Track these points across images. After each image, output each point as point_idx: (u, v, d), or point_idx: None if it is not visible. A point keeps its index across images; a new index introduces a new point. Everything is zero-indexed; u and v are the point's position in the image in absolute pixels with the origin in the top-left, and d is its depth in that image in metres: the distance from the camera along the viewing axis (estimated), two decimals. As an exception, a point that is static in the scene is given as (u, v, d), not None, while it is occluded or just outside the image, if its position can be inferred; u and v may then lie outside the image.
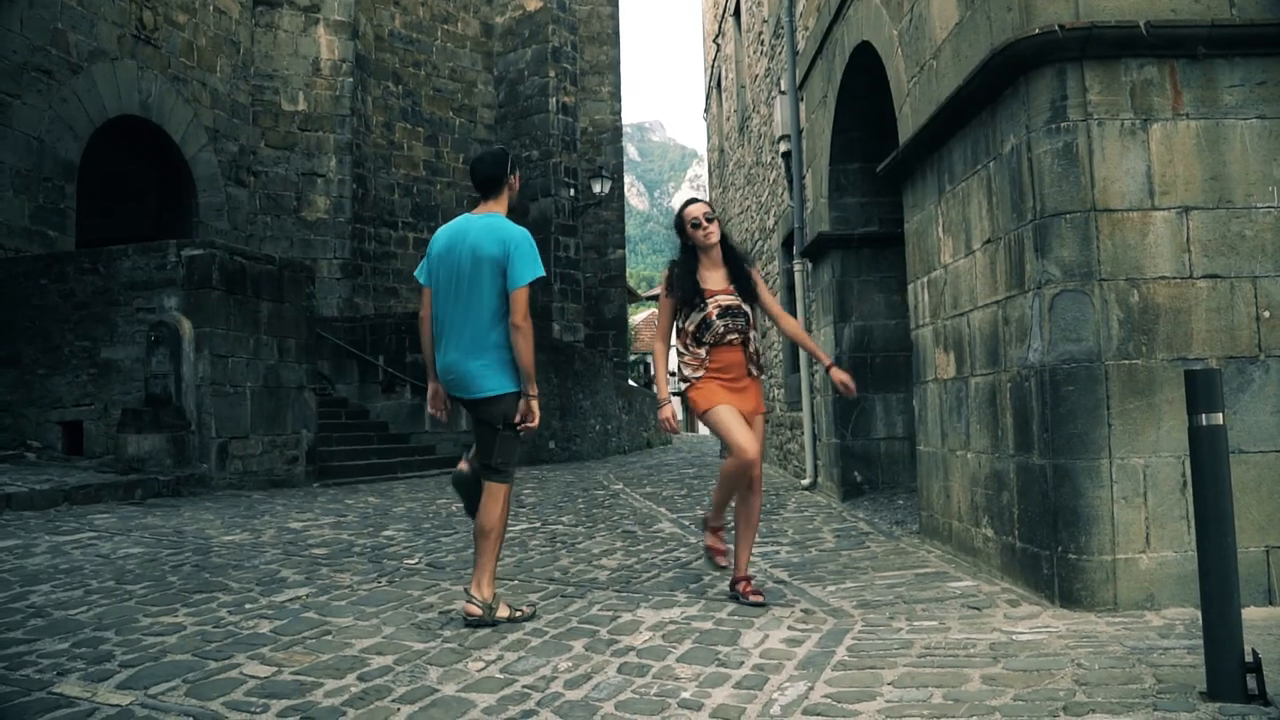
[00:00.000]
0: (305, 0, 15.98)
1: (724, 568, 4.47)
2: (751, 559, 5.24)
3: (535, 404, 3.81)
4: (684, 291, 4.30)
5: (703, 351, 4.26)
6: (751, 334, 4.30)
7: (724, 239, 4.41)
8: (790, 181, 9.54)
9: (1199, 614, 2.86)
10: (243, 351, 9.23)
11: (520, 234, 3.82)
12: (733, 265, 4.38)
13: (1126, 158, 3.95)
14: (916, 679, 3.01)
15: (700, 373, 4.25)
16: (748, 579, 4.28)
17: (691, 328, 4.28)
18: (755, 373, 4.32)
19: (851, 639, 3.53)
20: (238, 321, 9.20)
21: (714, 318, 4.24)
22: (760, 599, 4.16)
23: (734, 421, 4.14)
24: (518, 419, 3.80)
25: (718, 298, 4.28)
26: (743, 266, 4.40)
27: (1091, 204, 3.93)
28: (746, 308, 4.32)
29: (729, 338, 4.25)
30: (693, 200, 4.50)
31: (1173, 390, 3.80)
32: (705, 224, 4.32)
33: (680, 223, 4.40)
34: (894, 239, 6.99)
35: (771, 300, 4.50)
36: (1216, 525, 2.74)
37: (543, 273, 3.82)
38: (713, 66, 18.75)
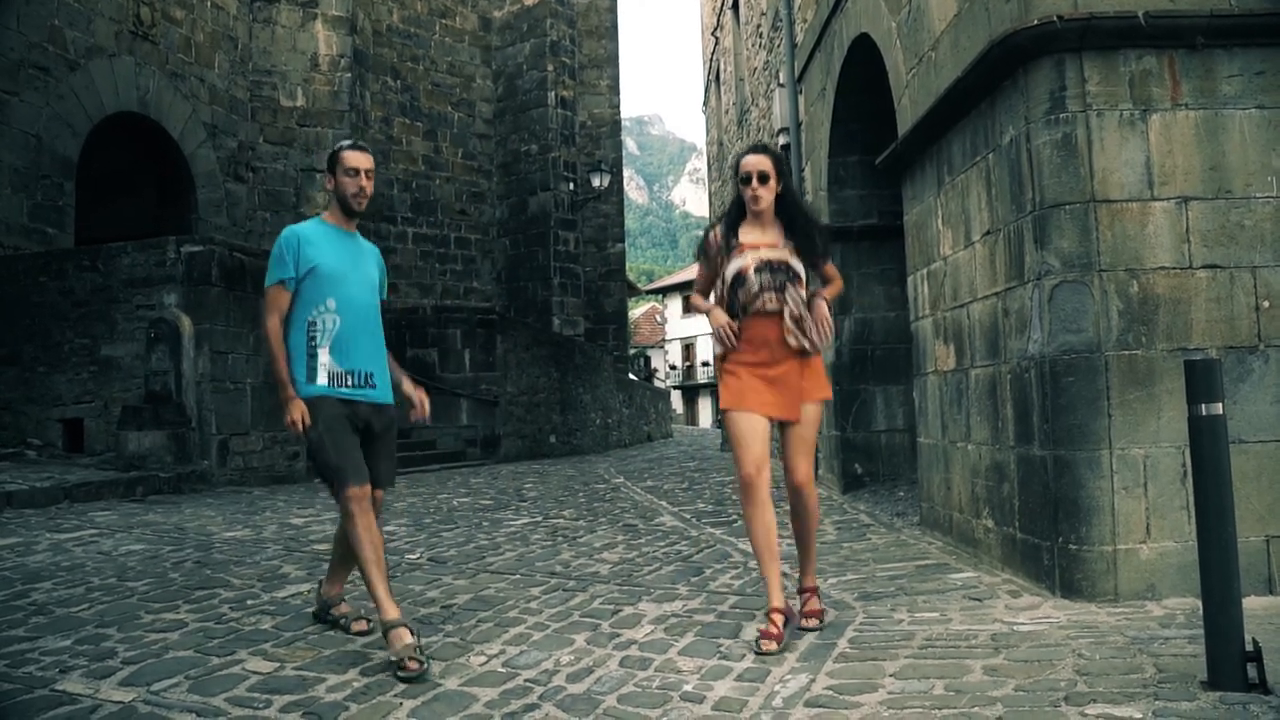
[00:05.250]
0: (302, -5, 15.95)
1: (768, 652, 3.30)
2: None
3: (285, 408, 3.42)
4: (719, 246, 3.68)
5: (737, 323, 3.60)
6: (798, 295, 3.57)
7: (789, 205, 3.72)
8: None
9: (1199, 604, 2.86)
10: (243, 348, 9.23)
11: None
12: (794, 230, 3.70)
13: (1126, 148, 3.95)
14: (918, 670, 3.01)
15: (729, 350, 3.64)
16: (813, 590, 3.70)
17: (726, 286, 3.63)
18: (806, 347, 3.57)
19: (853, 631, 3.54)
20: (237, 318, 9.19)
21: (751, 272, 3.56)
22: (813, 624, 3.55)
23: (745, 431, 3.53)
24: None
25: (760, 251, 3.61)
26: (808, 229, 3.72)
27: (1091, 195, 3.93)
28: (798, 266, 3.62)
29: (766, 301, 3.55)
30: (754, 148, 3.74)
31: (1173, 380, 3.79)
32: (756, 184, 3.62)
33: (734, 170, 3.72)
34: (893, 231, 6.99)
35: (831, 265, 3.83)
36: (1217, 515, 2.74)
37: (269, 280, 3.51)
38: (711, 59, 18.72)
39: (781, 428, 3.69)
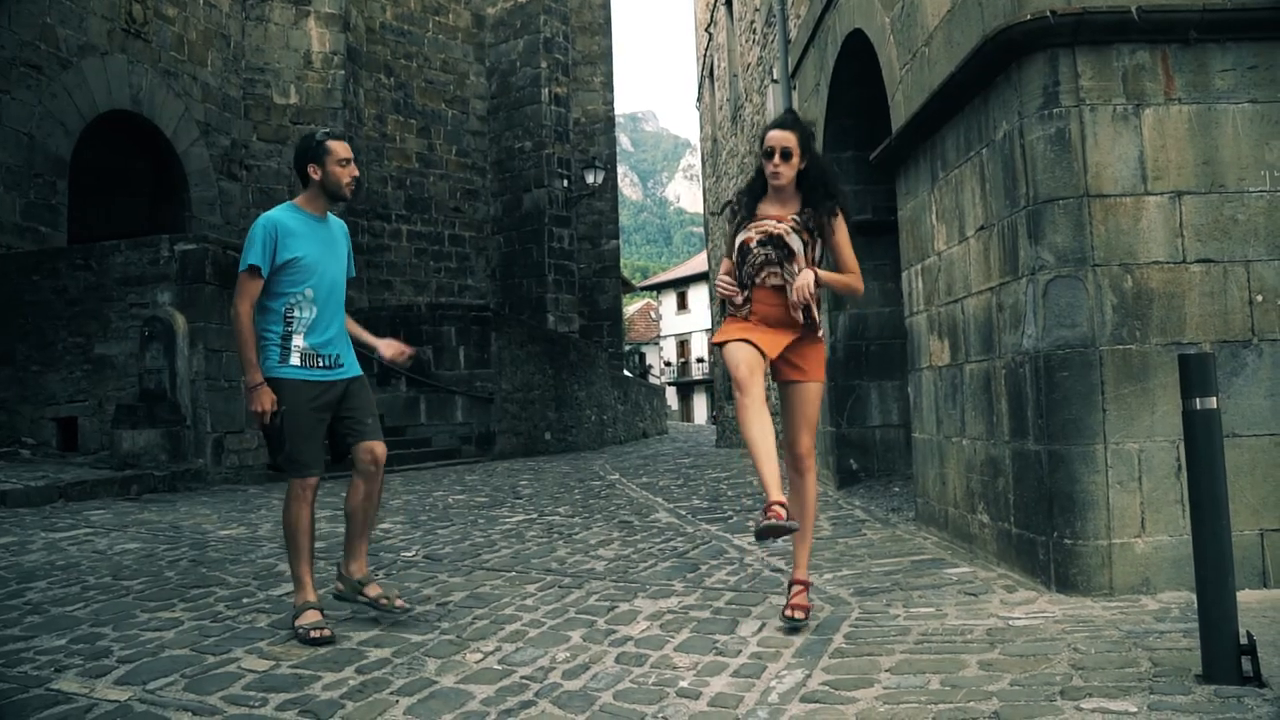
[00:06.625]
0: (295, -8, 15.91)
1: (769, 525, 3.25)
2: (749, 547, 5.26)
3: (251, 395, 3.54)
4: (738, 216, 3.69)
5: (745, 295, 3.62)
6: (794, 271, 3.55)
7: (813, 179, 3.65)
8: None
9: (1194, 597, 2.87)
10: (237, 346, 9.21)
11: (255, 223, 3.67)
12: (811, 202, 3.63)
13: (1119, 143, 3.95)
14: (914, 665, 3.02)
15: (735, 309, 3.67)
16: (804, 584, 3.64)
17: (734, 257, 3.67)
18: (810, 325, 3.59)
19: (849, 626, 3.54)
20: (232, 316, 9.17)
21: (753, 244, 3.58)
22: (798, 616, 3.50)
23: (734, 350, 3.49)
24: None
25: (765, 223, 3.61)
26: (821, 202, 3.62)
27: (1084, 190, 3.93)
28: (795, 243, 3.56)
29: (769, 275, 3.57)
30: (781, 122, 3.70)
31: (1167, 375, 3.80)
32: (778, 160, 3.59)
33: (760, 141, 3.71)
34: (888, 227, 6.99)
35: (847, 247, 3.69)
36: (1211, 509, 2.75)
37: (244, 264, 3.53)
38: (705, 56, 18.71)
39: (783, 403, 3.74)
